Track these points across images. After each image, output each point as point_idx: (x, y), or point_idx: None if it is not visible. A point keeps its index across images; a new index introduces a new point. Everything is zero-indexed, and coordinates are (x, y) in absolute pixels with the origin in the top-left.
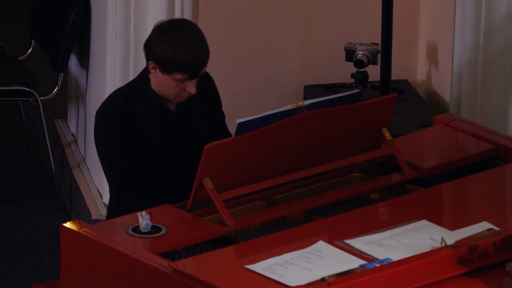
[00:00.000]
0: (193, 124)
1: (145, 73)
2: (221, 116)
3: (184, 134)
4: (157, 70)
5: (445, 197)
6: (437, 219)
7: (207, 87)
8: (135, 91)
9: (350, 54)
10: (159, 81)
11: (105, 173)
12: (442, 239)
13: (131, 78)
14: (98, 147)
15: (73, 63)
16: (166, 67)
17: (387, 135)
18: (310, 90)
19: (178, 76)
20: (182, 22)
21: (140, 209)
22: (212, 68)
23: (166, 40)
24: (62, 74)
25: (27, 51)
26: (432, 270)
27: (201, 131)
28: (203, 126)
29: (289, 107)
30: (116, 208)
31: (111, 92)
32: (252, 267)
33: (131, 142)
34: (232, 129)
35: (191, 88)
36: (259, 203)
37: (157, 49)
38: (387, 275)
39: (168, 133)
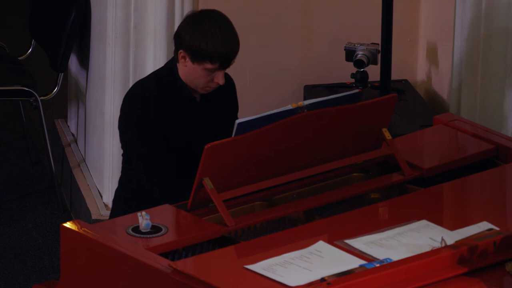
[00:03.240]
0: (215, 116)
1: (172, 62)
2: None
3: (206, 124)
4: (187, 59)
5: (445, 197)
6: (437, 219)
7: (230, 88)
8: (161, 79)
9: (350, 54)
10: (189, 71)
11: (132, 153)
12: (442, 239)
13: (131, 78)
14: (125, 129)
15: (73, 63)
16: (197, 57)
17: (387, 135)
18: (310, 90)
19: (209, 65)
20: (213, 13)
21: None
22: None
23: (199, 30)
24: (62, 74)
25: (27, 51)
26: (432, 270)
27: (222, 124)
28: (223, 119)
29: (289, 107)
30: (147, 184)
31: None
32: (252, 267)
33: (161, 123)
34: None
35: (219, 78)
36: (259, 203)
37: (188, 38)
38: (387, 275)
39: (190, 121)
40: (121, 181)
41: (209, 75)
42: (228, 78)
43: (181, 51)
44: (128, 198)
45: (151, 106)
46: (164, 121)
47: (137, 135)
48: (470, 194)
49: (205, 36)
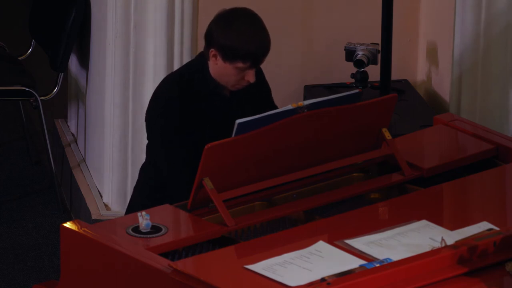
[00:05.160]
0: (244, 112)
1: (201, 58)
2: (271, 105)
3: (232, 120)
4: (218, 58)
5: (445, 197)
6: (437, 219)
7: (258, 77)
8: (192, 74)
9: (350, 54)
10: (220, 69)
11: (157, 148)
12: (442, 239)
13: (131, 78)
14: (149, 125)
15: (73, 63)
16: (229, 56)
17: (387, 135)
18: (310, 90)
19: (240, 64)
20: (244, 11)
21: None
22: None
23: (231, 29)
24: (62, 74)
25: (27, 51)
26: (432, 270)
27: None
28: (254, 112)
29: (289, 107)
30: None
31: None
32: (252, 267)
33: (185, 121)
34: None
35: (250, 76)
36: (259, 203)
37: (220, 37)
38: (387, 275)
39: (219, 118)
40: (144, 168)
41: (240, 74)
42: None
43: (212, 49)
44: (148, 188)
45: (178, 104)
46: (192, 119)
47: (162, 135)
48: (470, 194)
49: (237, 35)
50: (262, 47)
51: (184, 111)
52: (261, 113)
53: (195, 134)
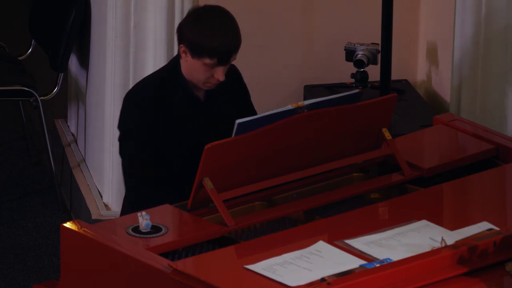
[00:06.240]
0: (219, 114)
1: (176, 59)
2: (250, 108)
3: (209, 124)
4: (188, 54)
5: (445, 197)
6: (437, 219)
7: (234, 80)
8: (165, 78)
9: (350, 54)
10: (189, 66)
11: (125, 157)
12: (442, 239)
13: (131, 78)
14: (123, 129)
15: (73, 63)
16: (197, 51)
17: (387, 135)
18: (310, 90)
19: (207, 61)
20: (216, 9)
21: (161, 196)
22: None
23: (199, 24)
24: (62, 74)
25: (27, 51)
26: (432, 270)
27: (227, 121)
28: (228, 117)
29: (289, 107)
30: (136, 195)
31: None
32: (252, 267)
33: (158, 128)
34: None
35: (219, 74)
36: (259, 203)
37: (189, 32)
38: (387, 275)
39: (193, 121)
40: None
41: (208, 71)
42: (231, 69)
43: (182, 45)
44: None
45: (147, 112)
46: (164, 125)
47: (134, 140)
48: (470, 194)
49: (204, 31)
50: (229, 43)
51: (159, 115)
52: (240, 114)
53: (177, 132)
